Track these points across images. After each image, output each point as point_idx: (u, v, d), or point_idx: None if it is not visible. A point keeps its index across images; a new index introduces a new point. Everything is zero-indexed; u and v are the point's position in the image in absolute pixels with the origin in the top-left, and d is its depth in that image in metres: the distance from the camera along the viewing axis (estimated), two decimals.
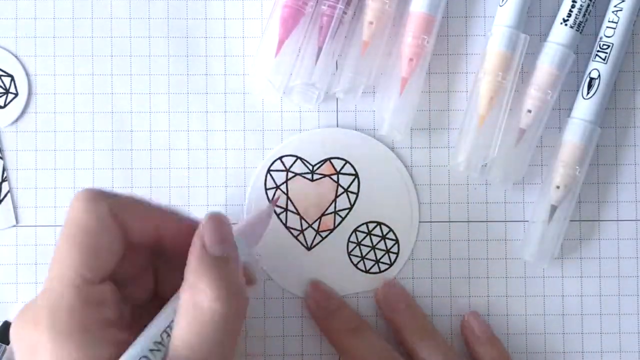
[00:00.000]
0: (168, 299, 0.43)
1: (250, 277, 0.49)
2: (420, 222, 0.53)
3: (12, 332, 0.42)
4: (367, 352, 0.51)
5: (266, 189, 0.53)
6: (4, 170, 0.53)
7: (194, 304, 0.41)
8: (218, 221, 0.43)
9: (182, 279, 0.43)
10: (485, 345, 0.52)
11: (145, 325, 0.42)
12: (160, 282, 0.47)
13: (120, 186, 0.53)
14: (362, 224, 0.53)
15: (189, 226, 0.44)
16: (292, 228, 0.53)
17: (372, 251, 0.53)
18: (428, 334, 0.52)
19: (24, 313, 0.42)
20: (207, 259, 0.42)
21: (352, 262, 0.53)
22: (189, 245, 0.43)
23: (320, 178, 0.53)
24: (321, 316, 0.53)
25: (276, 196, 0.53)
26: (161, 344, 0.41)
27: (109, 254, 0.42)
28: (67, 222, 0.43)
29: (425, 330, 0.52)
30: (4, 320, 0.52)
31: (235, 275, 0.43)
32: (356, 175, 0.53)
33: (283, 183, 0.53)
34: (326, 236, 0.53)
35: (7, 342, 0.52)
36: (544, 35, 0.53)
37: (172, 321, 0.41)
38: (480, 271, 0.53)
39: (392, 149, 0.54)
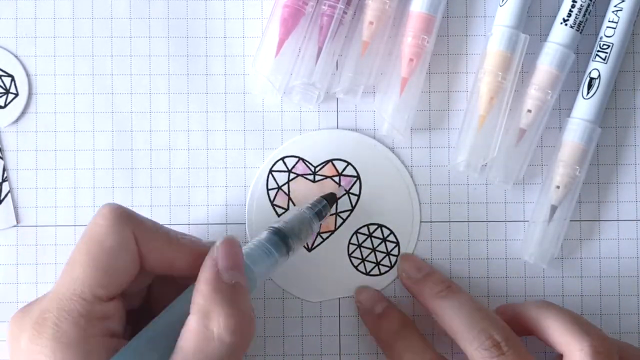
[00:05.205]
0: (156, 308, 0.44)
1: None
2: (420, 222, 0.54)
3: (11, 331, 0.42)
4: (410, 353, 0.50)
5: (268, 190, 0.53)
6: (4, 170, 0.53)
7: (202, 330, 0.41)
8: (232, 246, 0.43)
9: (174, 291, 0.43)
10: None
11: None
12: (153, 293, 0.47)
13: (120, 186, 0.53)
14: (363, 225, 0.53)
15: (202, 254, 0.44)
16: None
17: (373, 253, 0.53)
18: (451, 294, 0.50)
19: (26, 314, 0.42)
20: (221, 286, 0.41)
21: (352, 264, 0.53)
22: (197, 272, 0.43)
23: (322, 179, 0.53)
24: (370, 318, 0.52)
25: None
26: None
27: (124, 275, 0.43)
28: (89, 237, 0.43)
29: (450, 289, 0.50)
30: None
31: (246, 304, 0.42)
32: (358, 177, 0.53)
33: (285, 184, 0.53)
34: (327, 237, 0.53)
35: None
36: (544, 35, 0.53)
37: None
38: (480, 271, 0.53)
39: (392, 149, 0.54)
